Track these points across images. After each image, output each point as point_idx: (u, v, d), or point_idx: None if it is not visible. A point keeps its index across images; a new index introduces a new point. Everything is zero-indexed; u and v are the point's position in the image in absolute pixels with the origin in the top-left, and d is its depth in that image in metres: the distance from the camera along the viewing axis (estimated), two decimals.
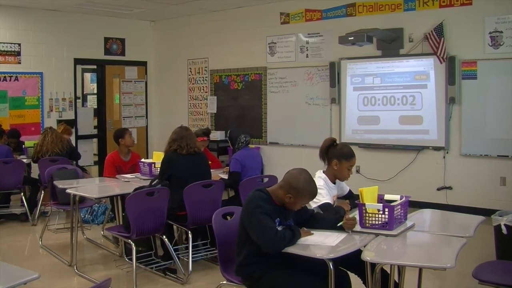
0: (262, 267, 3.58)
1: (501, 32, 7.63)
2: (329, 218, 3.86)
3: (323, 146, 4.38)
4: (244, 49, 10.58)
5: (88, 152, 11.12)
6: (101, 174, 9.07)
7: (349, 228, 3.68)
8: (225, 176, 6.47)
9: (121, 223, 5.79)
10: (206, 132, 7.53)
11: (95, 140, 11.86)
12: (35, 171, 8.36)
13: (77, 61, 11.05)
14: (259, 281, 3.58)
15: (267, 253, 3.50)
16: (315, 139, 8.70)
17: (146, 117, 12.32)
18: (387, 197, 3.96)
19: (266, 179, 6.13)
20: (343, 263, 3.73)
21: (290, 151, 9.86)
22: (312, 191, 3.66)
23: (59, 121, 10.26)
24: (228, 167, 6.61)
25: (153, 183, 5.37)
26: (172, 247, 5.46)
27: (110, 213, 7.13)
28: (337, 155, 4.28)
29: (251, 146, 9.35)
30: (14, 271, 3.14)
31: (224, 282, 3.87)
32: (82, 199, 6.16)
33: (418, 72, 8.38)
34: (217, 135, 10.33)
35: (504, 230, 5.12)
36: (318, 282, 3.50)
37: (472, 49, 7.87)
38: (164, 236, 5.42)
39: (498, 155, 7.74)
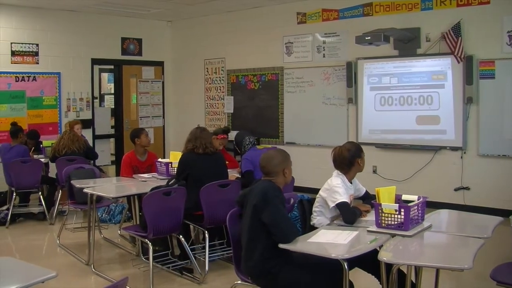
0: (280, 262, 3.57)
1: None
2: None
3: (342, 156, 4.30)
4: (260, 49, 10.57)
5: (105, 151, 11.17)
6: (118, 173, 9.11)
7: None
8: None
9: (138, 222, 5.81)
10: (226, 130, 7.66)
11: (112, 140, 11.93)
12: (52, 171, 8.42)
13: (94, 61, 11.12)
14: (276, 277, 3.57)
15: (280, 247, 3.50)
16: (332, 139, 8.71)
17: (163, 117, 12.35)
18: (405, 197, 3.94)
19: None
20: (358, 263, 3.72)
21: (307, 151, 9.83)
22: (283, 152, 3.92)
23: None
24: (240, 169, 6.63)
25: (170, 183, 5.40)
26: (188, 247, 5.48)
27: (127, 212, 7.17)
28: (357, 153, 4.31)
29: (267, 146, 9.38)
30: (32, 269, 3.18)
31: (239, 282, 3.87)
32: (99, 199, 6.21)
33: (435, 71, 8.30)
34: (233, 135, 10.29)
35: None
36: (331, 278, 3.51)
37: (490, 48, 7.79)
38: (181, 236, 5.45)
39: None
